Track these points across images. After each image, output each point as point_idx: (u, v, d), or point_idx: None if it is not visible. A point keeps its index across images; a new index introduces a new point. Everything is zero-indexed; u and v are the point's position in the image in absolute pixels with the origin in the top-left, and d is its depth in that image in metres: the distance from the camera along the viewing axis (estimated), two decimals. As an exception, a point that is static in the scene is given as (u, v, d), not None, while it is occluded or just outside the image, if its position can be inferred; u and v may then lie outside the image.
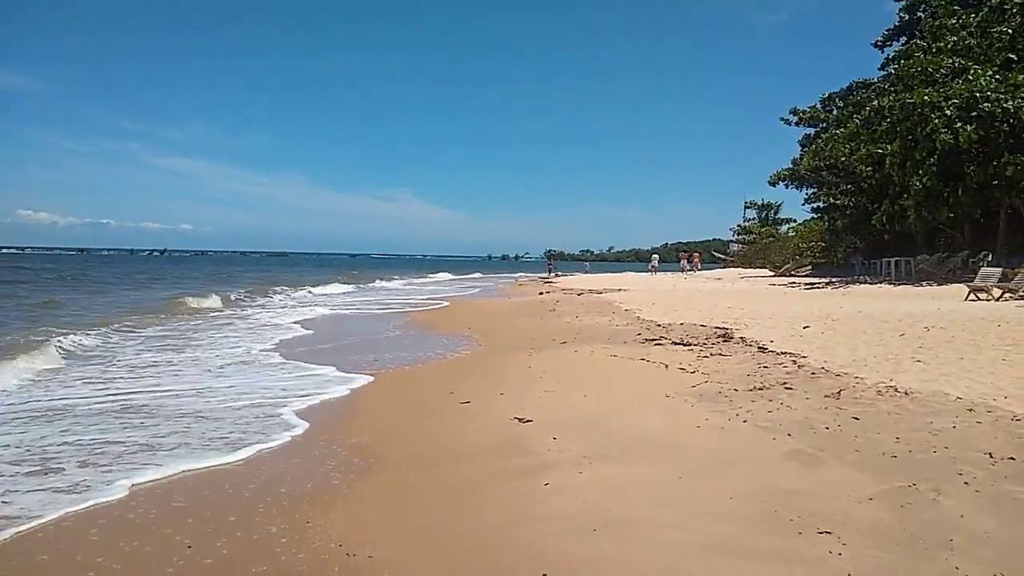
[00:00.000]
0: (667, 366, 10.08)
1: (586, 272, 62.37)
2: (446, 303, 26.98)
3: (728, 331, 13.93)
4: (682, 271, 53.66)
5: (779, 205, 67.93)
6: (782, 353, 10.57)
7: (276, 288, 33.13)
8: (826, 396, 7.10)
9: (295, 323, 18.31)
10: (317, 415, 7.83)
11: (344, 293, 35.05)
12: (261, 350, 13.01)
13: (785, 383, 8.06)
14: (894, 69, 26.13)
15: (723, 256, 76.06)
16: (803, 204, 44.62)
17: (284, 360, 11.81)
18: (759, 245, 61.87)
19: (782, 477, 5.04)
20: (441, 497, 5.09)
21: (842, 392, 7.19)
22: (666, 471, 5.29)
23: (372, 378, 10.09)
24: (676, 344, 12.39)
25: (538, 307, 21.89)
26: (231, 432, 6.96)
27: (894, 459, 5.25)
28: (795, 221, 63.26)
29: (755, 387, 7.88)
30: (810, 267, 43.30)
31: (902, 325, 12.72)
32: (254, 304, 25.34)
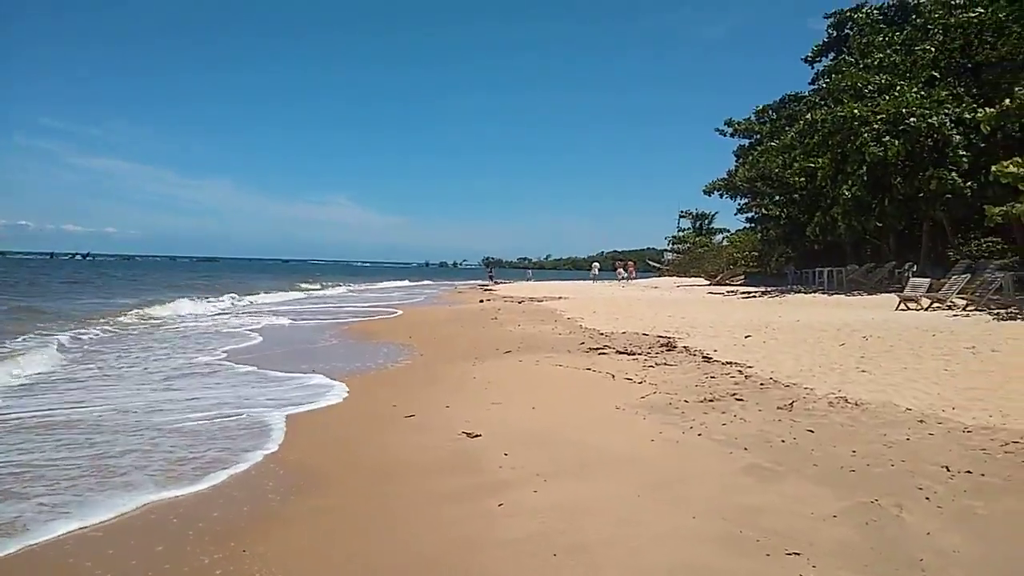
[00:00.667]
0: (614, 376, 9.95)
1: (529, 279, 62.29)
2: (388, 311, 26.47)
3: (671, 340, 13.93)
4: (619, 279, 54.11)
5: (713, 215, 69.26)
6: (727, 363, 10.57)
7: (216, 296, 32.00)
8: (779, 408, 7.04)
9: (246, 330, 17.63)
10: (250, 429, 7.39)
11: (282, 302, 34.11)
12: (206, 361, 12.42)
13: (735, 394, 8.00)
14: (825, 83, 26.88)
15: (658, 265, 77.16)
16: (736, 214, 45.63)
17: (216, 371, 11.26)
18: (693, 254, 62.93)
19: (743, 493, 4.90)
20: (386, 521, 4.78)
21: (794, 404, 7.14)
22: (624, 488, 5.09)
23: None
24: (620, 353, 12.30)
25: (479, 315, 21.63)
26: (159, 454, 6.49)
27: (853, 473, 5.17)
28: (729, 231, 64.71)
29: (706, 398, 7.79)
30: (743, 276, 44.21)
31: (840, 334, 12.92)
32: (198, 312, 24.37)
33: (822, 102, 31.71)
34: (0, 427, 7.29)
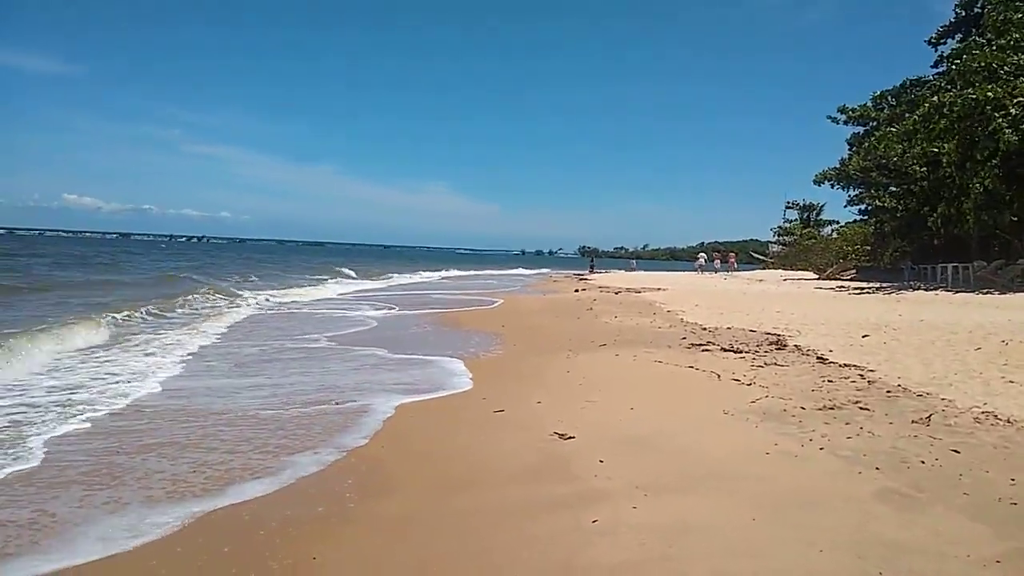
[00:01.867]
0: (719, 376, 9.22)
1: (633, 270, 60.97)
2: (482, 299, 26.26)
3: (780, 338, 13.00)
4: (714, 271, 52.31)
5: (821, 206, 66.15)
6: (845, 365, 9.67)
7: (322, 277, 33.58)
8: (913, 422, 6.20)
9: (359, 315, 17.74)
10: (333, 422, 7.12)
11: (379, 289, 34.60)
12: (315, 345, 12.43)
13: (858, 402, 7.17)
14: (954, 65, 24.70)
15: (762, 257, 74.34)
16: (845, 206, 43.18)
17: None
18: (800, 246, 60.23)
19: (879, 524, 4.20)
20: (467, 533, 4.33)
21: (931, 417, 6.28)
22: (736, 510, 4.47)
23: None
24: (725, 351, 11.51)
25: (574, 305, 21.06)
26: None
27: (1015, 507, 4.38)
28: (838, 223, 61.59)
29: (825, 406, 7.00)
30: (855, 270, 41.85)
31: (974, 337, 11.70)
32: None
33: (949, 86, 29.43)
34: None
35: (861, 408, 6.85)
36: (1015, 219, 24.43)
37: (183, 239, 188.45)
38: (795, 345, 11.97)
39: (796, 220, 67.57)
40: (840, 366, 9.65)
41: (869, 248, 45.61)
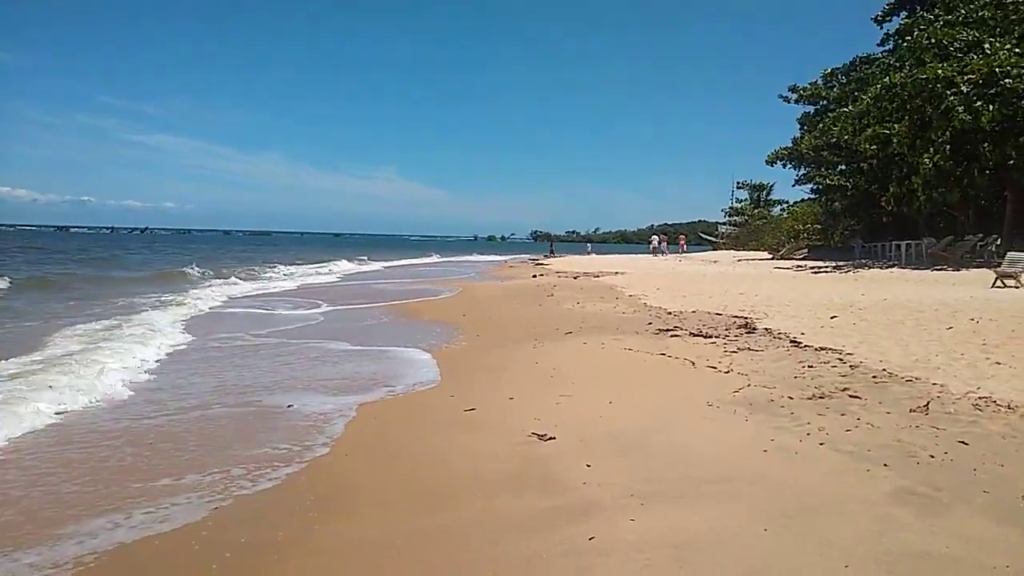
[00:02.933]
0: (693, 363, 8.86)
1: (588, 253, 60.79)
2: (437, 287, 25.65)
3: (748, 321, 12.74)
4: (654, 252, 53.20)
5: (771, 186, 66.74)
6: (821, 348, 9.40)
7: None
8: (912, 411, 5.88)
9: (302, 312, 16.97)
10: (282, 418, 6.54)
11: (328, 282, 33.66)
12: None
13: (846, 389, 6.85)
14: (905, 42, 24.82)
15: (711, 238, 74.90)
16: (794, 185, 43.49)
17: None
18: (751, 227, 60.73)
19: (902, 531, 3.82)
20: (446, 559, 3.83)
21: (929, 405, 5.96)
22: (744, 519, 4.05)
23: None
24: (695, 336, 11.19)
25: (534, 292, 20.61)
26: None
27: (1042, 505, 4.05)
28: (787, 202, 62.25)
29: (814, 395, 6.67)
30: (806, 250, 42.25)
31: (941, 316, 11.58)
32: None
33: (898, 63, 29.65)
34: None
35: (851, 396, 6.53)
36: (963, 196, 24.70)
37: (125, 231, 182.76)
38: (765, 328, 11.70)
39: (746, 200, 68.08)
40: (816, 350, 9.38)
41: (819, 227, 46.13)
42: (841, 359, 8.54)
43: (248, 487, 4.93)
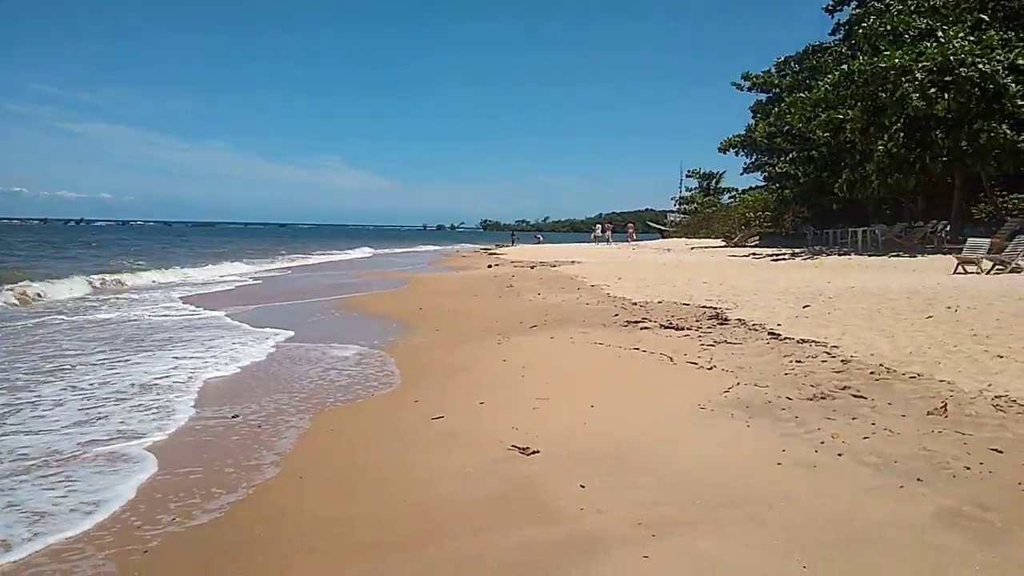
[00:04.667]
0: (672, 359, 8.31)
1: (539, 242, 60.38)
2: (390, 279, 24.75)
3: (718, 311, 12.28)
4: (608, 242, 53.84)
5: (721, 174, 67.17)
6: (803, 341, 8.93)
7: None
8: (929, 413, 5.37)
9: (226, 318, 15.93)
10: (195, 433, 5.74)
11: (268, 272, 32.39)
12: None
13: (846, 387, 6.34)
14: (860, 29, 24.72)
15: (658, 226, 75.14)
16: (743, 173, 43.67)
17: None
18: (701, 215, 60.98)
19: (963, 566, 3.26)
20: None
21: (947, 406, 5.46)
22: (776, 551, 3.45)
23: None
24: (666, 328, 10.66)
25: (492, 283, 19.90)
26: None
27: (1112, 528, 3.53)
28: (736, 190, 62.69)
29: (815, 395, 6.13)
30: (758, 237, 42.42)
31: (915, 303, 11.27)
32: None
33: (849, 52, 29.65)
34: None
35: (855, 396, 6.01)
36: (916, 183, 24.79)
37: (60, 222, 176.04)
38: (737, 319, 11.23)
39: (696, 188, 68.39)
40: (798, 342, 8.91)
41: (770, 214, 46.40)
42: (829, 352, 8.07)
43: (179, 524, 4.15)
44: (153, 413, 6.56)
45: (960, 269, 16.36)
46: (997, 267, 16.06)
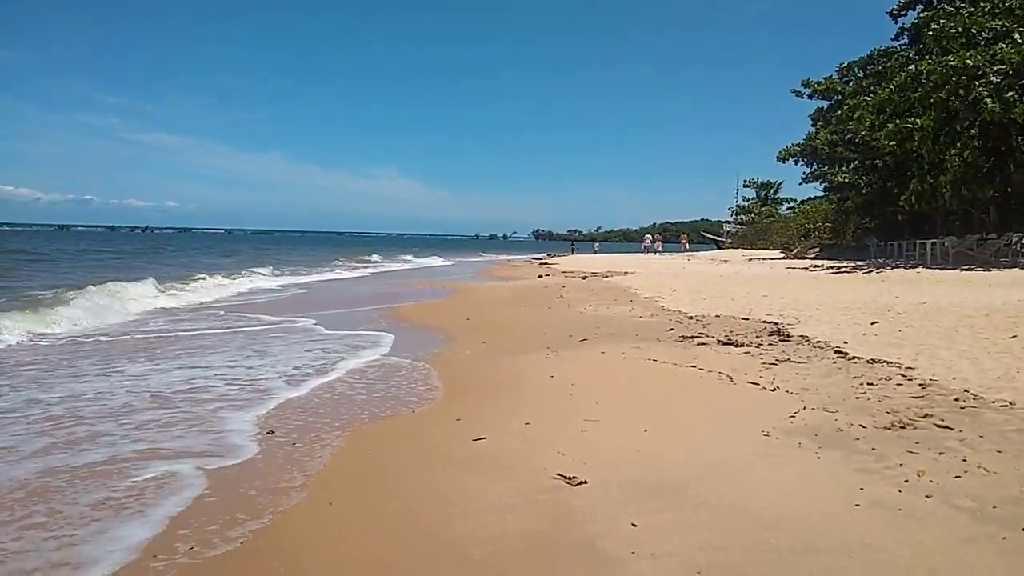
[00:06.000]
0: (731, 378, 7.78)
1: (596, 252, 59.82)
2: (439, 288, 24.57)
3: (780, 327, 11.64)
4: (644, 250, 53.16)
5: (779, 184, 65.57)
6: (874, 361, 8.30)
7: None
8: (1026, 448, 4.78)
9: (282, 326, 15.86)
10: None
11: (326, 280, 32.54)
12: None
13: (928, 415, 5.76)
14: (931, 31, 23.63)
15: (713, 237, 73.73)
16: (801, 183, 42.39)
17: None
18: (759, 225, 59.56)
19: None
20: None
21: (1048, 440, 4.86)
22: (860, 616, 2.96)
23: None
24: (724, 344, 10.10)
25: (542, 293, 19.50)
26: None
27: None
28: (795, 201, 61.11)
29: (893, 424, 5.56)
30: (818, 248, 41.08)
31: (995, 321, 10.48)
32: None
33: (916, 56, 28.48)
34: None
35: (939, 426, 5.43)
36: (996, 193, 23.56)
37: (125, 229, 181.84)
38: (801, 336, 10.60)
39: (753, 198, 66.90)
40: (868, 362, 8.28)
41: (831, 225, 44.97)
42: (904, 375, 7.44)
43: (199, 553, 3.85)
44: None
45: (1041, 284, 15.35)
46: (1082, 282, 15.01)
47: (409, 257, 55.04)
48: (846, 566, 3.39)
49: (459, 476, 4.97)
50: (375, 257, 51.99)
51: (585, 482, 4.64)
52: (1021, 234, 25.79)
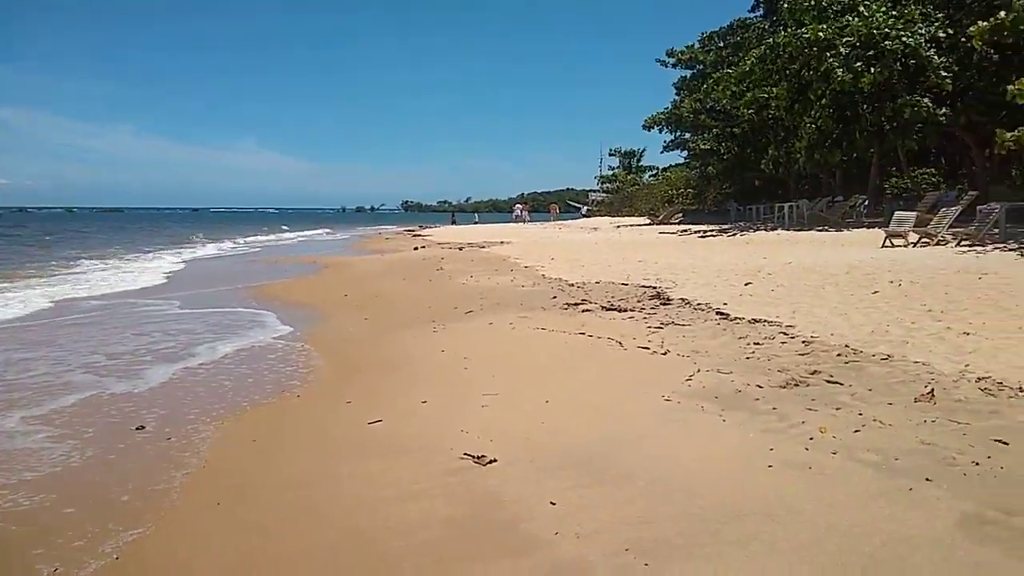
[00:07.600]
0: (621, 344, 7.79)
1: (476, 223, 59.46)
2: (310, 263, 23.62)
3: (659, 291, 11.92)
4: (519, 221, 54.17)
5: (642, 152, 67.44)
6: (755, 321, 8.57)
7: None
8: (916, 400, 4.97)
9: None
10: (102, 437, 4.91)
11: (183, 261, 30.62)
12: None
13: (816, 371, 5.93)
14: (785, 3, 24.71)
15: (578, 205, 75.32)
16: (663, 151, 43.83)
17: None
18: (624, 193, 61.14)
19: (1010, 589, 2.80)
20: None
21: (934, 392, 5.07)
22: (794, 582, 2.92)
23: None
24: (608, 310, 10.18)
25: (421, 266, 19.10)
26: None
27: None
28: (657, 168, 63.17)
29: (787, 382, 5.68)
30: (681, 214, 42.69)
31: (857, 278, 11.11)
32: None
33: (771, 28, 29.81)
34: None
35: (830, 382, 5.59)
36: (845, 157, 25.11)
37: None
38: (681, 299, 10.86)
39: (618, 167, 68.52)
40: (750, 322, 8.53)
41: (693, 191, 46.85)
42: (786, 333, 7.70)
43: (65, 575, 3.36)
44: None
45: (888, 243, 16.47)
46: (923, 240, 16.22)
47: (273, 235, 52.34)
48: (771, 530, 3.35)
49: (359, 463, 4.64)
50: (240, 239, 48.29)
51: (495, 460, 4.43)
52: (864, 197, 27.76)
